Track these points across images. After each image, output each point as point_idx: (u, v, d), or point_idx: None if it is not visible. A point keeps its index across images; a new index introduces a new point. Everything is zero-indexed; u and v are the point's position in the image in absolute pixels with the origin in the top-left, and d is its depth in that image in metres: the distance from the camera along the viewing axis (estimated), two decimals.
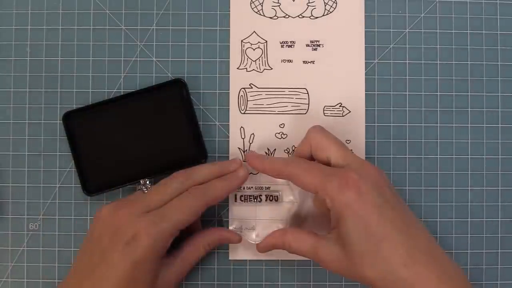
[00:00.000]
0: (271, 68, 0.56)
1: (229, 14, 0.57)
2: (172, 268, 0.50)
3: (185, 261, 0.51)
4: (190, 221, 0.49)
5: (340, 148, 0.49)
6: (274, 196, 0.55)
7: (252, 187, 0.55)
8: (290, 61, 0.56)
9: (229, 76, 0.56)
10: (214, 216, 0.56)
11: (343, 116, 0.56)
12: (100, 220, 0.48)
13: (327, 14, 0.57)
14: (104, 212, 0.48)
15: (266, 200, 0.55)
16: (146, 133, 0.55)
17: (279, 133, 0.56)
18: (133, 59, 0.57)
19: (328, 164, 0.49)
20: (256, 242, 0.53)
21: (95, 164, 0.55)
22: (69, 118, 0.55)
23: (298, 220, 0.55)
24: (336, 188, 0.45)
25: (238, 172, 0.53)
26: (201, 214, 0.49)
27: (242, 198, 0.55)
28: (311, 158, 0.51)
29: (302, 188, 0.49)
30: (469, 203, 0.57)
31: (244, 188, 0.55)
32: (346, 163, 0.48)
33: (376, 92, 0.57)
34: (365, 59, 0.57)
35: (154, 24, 0.57)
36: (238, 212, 0.55)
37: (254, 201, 0.55)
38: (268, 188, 0.55)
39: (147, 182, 0.52)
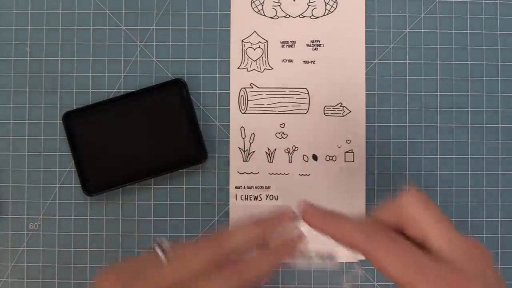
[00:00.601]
0: (272, 68, 0.57)
1: (229, 14, 0.57)
2: None
3: None
4: None
5: (446, 231, 0.36)
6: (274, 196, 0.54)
7: (253, 187, 0.55)
8: (290, 61, 0.57)
9: (229, 76, 0.56)
10: (214, 216, 0.56)
11: (343, 116, 0.56)
12: None
13: (327, 14, 0.57)
14: (106, 286, 0.37)
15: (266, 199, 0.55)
16: (146, 133, 0.55)
17: (279, 133, 0.56)
18: (133, 59, 0.57)
19: (421, 245, 0.36)
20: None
21: (95, 164, 0.55)
22: (69, 118, 0.55)
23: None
24: None
25: (288, 243, 0.39)
26: None
27: (243, 197, 0.55)
28: (395, 228, 0.37)
29: (378, 270, 0.36)
30: (469, 203, 0.57)
31: (245, 187, 0.55)
32: (453, 256, 0.35)
33: (376, 92, 0.57)
34: (365, 59, 0.57)
35: (154, 24, 0.57)
36: (239, 212, 0.55)
37: (254, 200, 0.55)
38: (269, 187, 0.55)
39: (164, 242, 0.38)
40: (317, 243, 0.41)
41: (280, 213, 0.40)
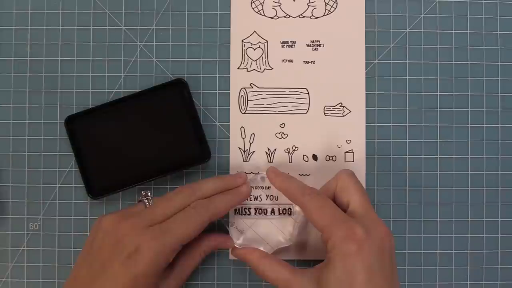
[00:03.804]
0: (272, 68, 0.57)
1: (229, 14, 0.57)
2: (170, 281, 0.50)
3: (183, 271, 0.51)
4: (193, 236, 0.48)
5: (363, 198, 0.48)
6: (284, 209, 0.54)
7: (253, 187, 0.55)
8: (290, 61, 0.57)
9: (229, 76, 0.56)
10: None
11: (343, 116, 0.56)
12: (101, 230, 0.47)
13: (327, 14, 0.57)
14: (106, 223, 0.48)
15: (271, 213, 0.55)
16: (149, 134, 0.54)
17: (279, 133, 0.56)
18: (133, 59, 0.57)
19: (345, 208, 0.49)
20: (237, 246, 0.53)
21: (99, 167, 0.54)
22: (71, 122, 0.55)
23: (304, 232, 0.55)
24: (340, 236, 0.45)
25: (241, 188, 0.53)
26: (204, 228, 0.49)
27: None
28: (332, 197, 0.50)
29: (310, 222, 0.50)
30: (469, 203, 0.57)
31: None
32: (362, 215, 0.47)
33: (376, 92, 0.57)
34: (365, 59, 0.57)
35: (154, 24, 0.57)
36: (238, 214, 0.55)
37: (254, 200, 0.55)
38: (269, 188, 0.55)
39: (148, 193, 0.51)
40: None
41: (236, 175, 0.54)
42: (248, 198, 0.54)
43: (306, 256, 0.56)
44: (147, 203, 0.50)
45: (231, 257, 0.56)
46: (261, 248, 0.53)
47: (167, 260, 0.47)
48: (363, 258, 0.44)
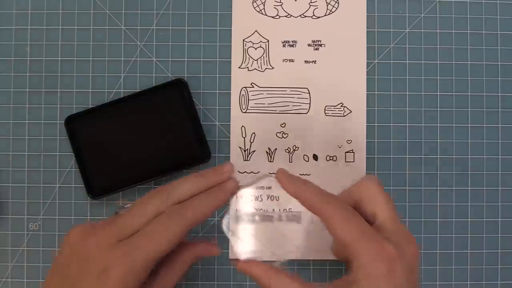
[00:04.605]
0: (273, 68, 0.57)
1: (229, 14, 0.57)
2: None
3: (163, 286, 0.46)
4: (168, 249, 0.42)
5: (392, 211, 0.43)
6: (293, 216, 0.53)
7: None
8: (291, 60, 0.57)
9: (230, 76, 0.56)
10: (214, 216, 0.56)
11: (344, 116, 0.56)
12: (67, 246, 0.44)
13: (329, 14, 0.57)
14: (72, 237, 0.44)
15: (278, 220, 0.54)
16: (149, 134, 0.54)
17: (280, 133, 0.56)
18: (133, 59, 0.57)
19: (370, 220, 0.44)
20: (242, 258, 0.48)
21: (100, 167, 0.54)
22: (71, 122, 0.55)
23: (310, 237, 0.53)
24: (369, 255, 0.40)
25: (226, 184, 0.46)
26: (183, 237, 0.43)
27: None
28: (353, 205, 0.45)
29: (330, 233, 0.43)
30: (469, 203, 0.57)
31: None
32: (391, 231, 0.42)
33: (376, 92, 0.57)
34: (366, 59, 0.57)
35: (154, 24, 0.57)
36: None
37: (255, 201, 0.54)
38: (269, 188, 0.54)
39: (125, 206, 0.48)
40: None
41: (218, 167, 0.47)
42: (250, 200, 0.53)
43: (307, 256, 0.56)
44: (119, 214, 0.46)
45: (231, 257, 0.56)
46: (266, 259, 0.51)
47: (139, 279, 0.42)
48: (395, 282, 0.39)
